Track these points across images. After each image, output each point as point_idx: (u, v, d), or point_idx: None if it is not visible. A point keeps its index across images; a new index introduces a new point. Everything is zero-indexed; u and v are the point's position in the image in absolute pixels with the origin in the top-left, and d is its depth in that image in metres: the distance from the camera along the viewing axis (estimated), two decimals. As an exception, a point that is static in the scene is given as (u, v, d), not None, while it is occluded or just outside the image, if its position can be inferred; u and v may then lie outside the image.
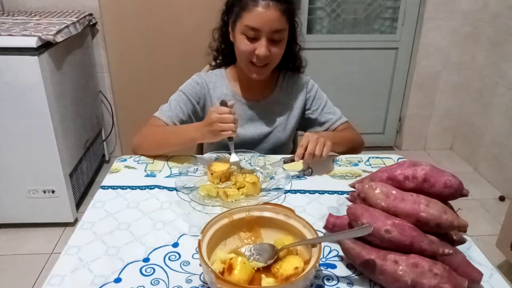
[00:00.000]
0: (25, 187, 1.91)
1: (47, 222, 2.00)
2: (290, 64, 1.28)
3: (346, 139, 1.22)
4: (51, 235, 1.98)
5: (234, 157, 1.06)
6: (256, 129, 1.25)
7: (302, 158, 1.04)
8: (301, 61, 1.29)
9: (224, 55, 1.28)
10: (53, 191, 1.93)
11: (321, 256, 0.76)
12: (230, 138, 1.03)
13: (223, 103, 1.02)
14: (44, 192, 1.93)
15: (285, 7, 1.09)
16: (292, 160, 1.06)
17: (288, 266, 0.70)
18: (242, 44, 1.11)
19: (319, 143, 1.03)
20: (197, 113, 1.22)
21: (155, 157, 1.15)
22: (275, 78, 1.28)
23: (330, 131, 1.26)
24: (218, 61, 1.30)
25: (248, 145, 1.22)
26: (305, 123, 1.31)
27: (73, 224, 2.02)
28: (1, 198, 1.92)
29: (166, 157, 1.14)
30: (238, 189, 0.96)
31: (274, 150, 1.25)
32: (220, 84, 1.25)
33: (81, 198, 2.17)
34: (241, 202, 0.92)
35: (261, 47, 1.09)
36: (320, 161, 1.06)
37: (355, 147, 1.24)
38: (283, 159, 1.07)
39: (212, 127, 0.99)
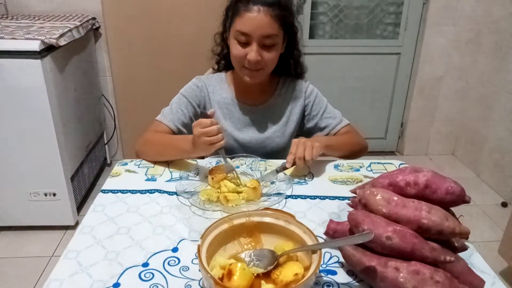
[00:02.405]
0: (27, 190, 1.91)
1: (48, 225, 2.00)
2: (292, 70, 1.28)
3: (342, 142, 1.21)
4: (51, 238, 1.97)
5: (227, 165, 1.04)
6: (254, 133, 1.25)
7: (294, 164, 1.04)
8: (302, 68, 1.29)
9: (226, 59, 1.28)
10: (54, 194, 1.93)
11: (322, 263, 0.76)
12: (219, 148, 1.02)
13: (203, 115, 1.01)
14: (45, 195, 1.93)
15: (277, 13, 1.09)
16: (284, 168, 1.05)
17: (288, 272, 0.69)
18: (234, 48, 1.12)
19: (307, 146, 1.04)
20: (197, 116, 1.23)
21: (155, 161, 1.14)
22: (275, 84, 1.28)
23: (325, 136, 1.26)
24: (220, 65, 1.31)
25: (246, 149, 1.22)
26: (306, 128, 1.31)
27: (74, 227, 2.02)
28: (3, 201, 1.92)
29: (167, 162, 1.14)
30: (238, 193, 0.95)
31: (272, 155, 1.25)
32: (220, 88, 1.25)
33: (82, 202, 2.17)
34: (241, 207, 0.92)
35: (252, 52, 1.09)
36: (312, 164, 1.06)
37: (355, 151, 1.22)
38: (275, 169, 1.06)
39: (199, 142, 0.98)
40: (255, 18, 1.07)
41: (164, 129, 1.16)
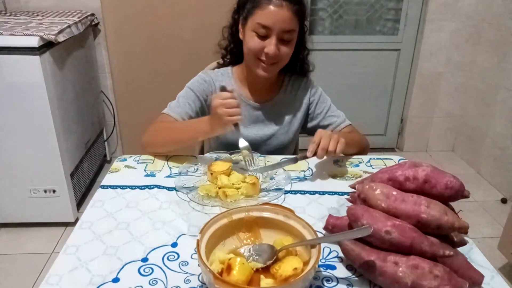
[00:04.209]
0: (26, 186, 1.91)
1: (48, 222, 2.00)
2: (297, 68, 1.27)
3: (355, 140, 1.20)
4: (52, 235, 1.98)
5: (243, 142, 1.03)
6: (259, 131, 1.25)
7: (315, 154, 1.01)
8: (308, 66, 1.28)
9: (232, 54, 1.27)
10: (54, 191, 1.93)
11: (321, 257, 0.76)
12: (235, 124, 1.01)
13: (223, 89, 1.00)
14: (45, 191, 1.93)
15: (297, 8, 1.09)
16: (305, 157, 1.02)
17: (287, 267, 0.69)
18: (251, 41, 1.11)
19: (333, 138, 1.01)
20: (204, 111, 1.22)
21: (155, 156, 1.14)
22: (280, 81, 1.28)
23: (339, 131, 1.25)
24: (226, 59, 1.30)
25: (250, 146, 1.21)
26: (309, 127, 1.30)
27: (73, 224, 2.02)
28: (3, 198, 1.92)
29: (166, 157, 1.14)
30: (237, 189, 0.95)
31: (276, 152, 1.24)
32: (226, 83, 1.24)
33: (82, 198, 2.18)
34: (240, 203, 0.92)
35: (271, 46, 1.09)
36: (333, 157, 1.04)
37: (363, 149, 1.23)
38: (296, 157, 1.04)
39: (217, 114, 0.96)
40: (278, 12, 1.07)
41: (172, 122, 1.14)
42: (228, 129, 1.01)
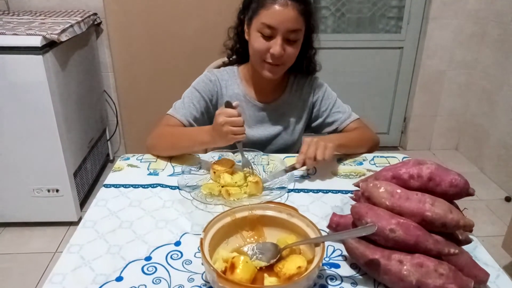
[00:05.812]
0: (30, 186, 1.91)
1: (51, 221, 2.00)
2: (304, 68, 1.26)
3: (355, 139, 1.18)
4: (55, 234, 1.98)
5: (244, 159, 1.04)
6: (264, 131, 1.24)
7: (304, 164, 1.01)
8: (315, 66, 1.27)
9: (238, 54, 1.26)
10: (57, 190, 1.93)
11: (325, 256, 0.76)
12: (238, 141, 1.01)
13: (228, 105, 1.00)
14: (49, 191, 1.93)
15: (303, 8, 1.08)
16: (294, 168, 1.03)
17: (291, 265, 0.69)
18: (257, 41, 1.10)
19: (319, 146, 1.00)
20: (209, 111, 1.21)
21: (158, 155, 1.14)
22: (286, 81, 1.27)
23: (335, 134, 1.24)
24: (231, 59, 1.29)
25: (255, 146, 1.21)
26: (315, 124, 1.29)
27: (77, 223, 2.02)
28: (6, 197, 1.93)
29: (169, 156, 1.14)
30: (240, 187, 0.95)
31: (280, 152, 1.24)
32: (232, 83, 1.23)
33: (85, 197, 2.18)
34: (243, 201, 0.91)
35: (276, 46, 1.07)
36: (324, 164, 1.03)
37: (367, 147, 1.20)
38: (284, 169, 1.03)
39: (221, 131, 0.96)
40: (283, 12, 1.06)
41: (176, 123, 1.14)
42: (230, 143, 1.00)
